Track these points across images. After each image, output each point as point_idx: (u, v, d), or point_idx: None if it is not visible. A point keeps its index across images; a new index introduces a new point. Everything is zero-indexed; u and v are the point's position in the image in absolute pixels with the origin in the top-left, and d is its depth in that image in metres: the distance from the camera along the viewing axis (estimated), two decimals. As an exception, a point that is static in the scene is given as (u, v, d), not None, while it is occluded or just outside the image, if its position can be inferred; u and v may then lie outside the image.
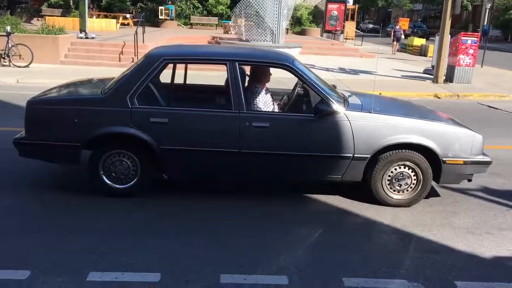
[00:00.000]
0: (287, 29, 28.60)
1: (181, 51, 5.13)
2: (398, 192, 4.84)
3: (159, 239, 4.00)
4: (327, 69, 15.78)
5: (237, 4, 20.56)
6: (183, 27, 29.65)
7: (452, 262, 3.85)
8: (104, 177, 4.66)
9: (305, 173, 4.83)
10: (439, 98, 12.34)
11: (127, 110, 4.49)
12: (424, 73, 15.91)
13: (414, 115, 4.96)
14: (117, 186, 4.69)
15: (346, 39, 30.60)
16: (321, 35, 29.66)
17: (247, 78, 5.27)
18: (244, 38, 20.85)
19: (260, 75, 5.20)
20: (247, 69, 5.31)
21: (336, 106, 4.61)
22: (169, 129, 4.53)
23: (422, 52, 24.05)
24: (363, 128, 4.64)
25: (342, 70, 15.92)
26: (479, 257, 3.96)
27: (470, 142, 4.76)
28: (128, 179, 4.69)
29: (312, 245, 4.02)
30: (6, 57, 13.46)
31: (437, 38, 14.93)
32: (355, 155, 4.66)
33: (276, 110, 5.31)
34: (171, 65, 5.26)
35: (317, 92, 4.70)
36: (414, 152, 4.71)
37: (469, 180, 4.96)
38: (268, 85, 5.34)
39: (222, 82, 5.26)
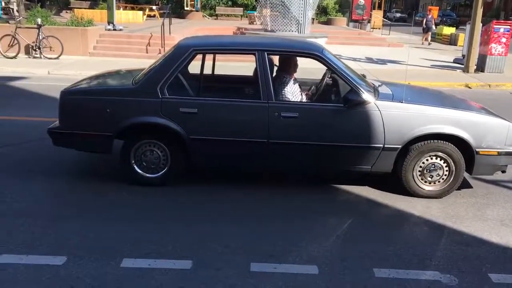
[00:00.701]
0: (313, 19, 28.36)
1: (211, 41, 5.15)
2: (430, 183, 4.77)
3: (189, 227, 4.05)
4: (354, 59, 15.60)
5: (262, -6, 20.43)
6: (208, 18, 29.71)
7: (485, 254, 3.78)
8: (135, 166, 4.73)
9: (334, 164, 4.81)
10: (470, 88, 12.08)
11: (157, 100, 4.54)
12: (454, 62, 15.59)
13: (446, 104, 4.87)
14: (148, 175, 4.76)
15: (373, 28, 30.17)
16: (348, 25, 29.34)
17: (275, 68, 5.28)
18: (269, 29, 20.72)
19: (288, 65, 5.17)
20: (275, 60, 5.30)
21: (366, 96, 4.56)
22: (198, 119, 4.56)
23: (452, 41, 23.54)
24: (394, 118, 4.58)
25: (370, 60, 15.73)
26: (513, 249, 3.89)
27: (504, 132, 4.65)
28: (158, 168, 4.74)
29: (341, 236, 4.00)
30: (37, 49, 13.73)
31: (467, 26, 14.58)
32: (385, 146, 4.60)
33: (304, 100, 5.28)
34: (199, 56, 5.31)
35: (347, 82, 4.65)
36: (446, 143, 4.63)
37: (503, 172, 4.85)
38: (295, 75, 5.32)
39: (249, 73, 5.25)
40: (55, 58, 13.51)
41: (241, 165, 4.95)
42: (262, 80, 4.59)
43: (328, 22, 29.16)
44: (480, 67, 13.74)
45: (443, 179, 4.75)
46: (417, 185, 4.75)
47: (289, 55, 5.02)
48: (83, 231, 3.90)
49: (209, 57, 5.46)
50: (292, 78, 5.19)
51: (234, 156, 4.75)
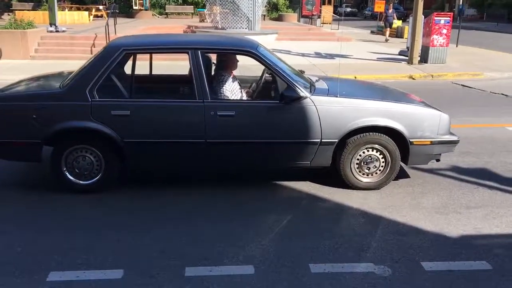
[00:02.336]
0: (264, 15, 28.44)
1: (142, 41, 5.02)
2: (367, 175, 4.83)
3: (125, 234, 3.93)
4: (303, 55, 15.72)
5: (211, -9, 20.30)
6: (158, 17, 29.25)
7: (419, 243, 3.85)
8: (67, 173, 4.56)
9: (273, 161, 4.80)
10: (414, 79, 12.38)
11: (87, 103, 4.38)
12: (399, 54, 15.94)
13: (382, 97, 4.93)
14: (81, 182, 4.60)
15: (323, 23, 30.51)
16: (298, 21, 29.55)
17: (213, 67, 5.20)
18: (220, 26, 20.66)
19: (226, 62, 5.10)
20: (214, 58, 5.23)
21: (301, 91, 4.56)
22: (131, 122, 4.43)
23: (398, 34, 24.06)
24: (329, 113, 4.60)
25: (318, 55, 15.87)
26: (446, 236, 3.97)
27: (436, 122, 4.76)
28: (92, 174, 4.59)
29: (280, 233, 3.98)
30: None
31: (411, 19, 14.93)
32: (322, 140, 4.62)
33: (245, 98, 5.23)
34: (143, 56, 5.19)
35: (282, 78, 4.64)
36: (381, 135, 4.69)
37: (438, 160, 4.97)
38: (236, 72, 5.27)
39: (187, 72, 5.16)
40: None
41: (179, 167, 4.86)
42: (197, 79, 4.51)
43: (279, 18, 29.27)
44: (424, 59, 14.10)
45: (380, 170, 4.81)
46: (355, 177, 4.80)
47: (223, 53, 4.96)
48: (12, 244, 3.72)
49: (145, 57, 5.34)
50: (231, 76, 5.12)
51: (171, 158, 4.65)
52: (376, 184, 4.83)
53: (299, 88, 4.56)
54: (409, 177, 5.25)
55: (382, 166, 4.80)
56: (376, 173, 4.82)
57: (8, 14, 24.41)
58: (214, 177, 5.20)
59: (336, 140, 4.64)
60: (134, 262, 3.50)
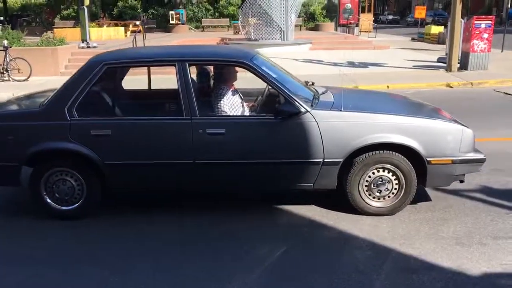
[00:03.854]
0: (300, 25, 28.05)
1: (125, 54, 4.65)
2: (378, 199, 4.25)
3: (96, 267, 3.53)
4: (335, 64, 15.11)
5: (243, 3, 20.06)
6: (194, 31, 29.37)
7: (431, 282, 3.25)
8: (47, 198, 4.23)
9: (270, 183, 4.31)
10: (451, 87, 11.56)
11: (65, 123, 4.06)
12: (438, 61, 15.05)
13: (392, 110, 4.35)
14: (62, 208, 4.26)
15: (361, 32, 29.74)
16: (335, 30, 28.93)
17: (212, 80, 4.81)
18: (253, 38, 20.36)
19: (223, 75, 4.67)
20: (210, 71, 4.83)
21: (300, 106, 4.06)
22: (112, 142, 4.07)
23: (440, 40, 22.99)
24: (332, 129, 4.08)
25: (351, 64, 15.23)
26: (466, 274, 3.35)
27: (458, 138, 4.14)
28: (73, 199, 4.25)
29: (269, 268, 3.48)
30: (5, 72, 13.32)
31: (449, 24, 14.09)
32: (325, 160, 4.10)
33: (246, 113, 4.79)
34: (136, 70, 4.86)
35: (278, 91, 4.17)
36: (394, 153, 4.12)
37: (461, 182, 4.33)
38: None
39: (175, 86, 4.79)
40: (23, 80, 13.09)
41: (167, 189, 4.45)
42: (184, 94, 4.10)
43: (315, 28, 28.76)
44: (464, 65, 13.22)
45: (393, 193, 4.24)
46: (364, 201, 4.24)
47: (213, 64, 4.54)
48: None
49: (136, 72, 4.99)
50: (231, 89, 4.69)
51: (158, 181, 4.25)
52: (388, 209, 4.25)
53: (297, 102, 4.07)
54: (431, 200, 4.62)
55: (395, 189, 4.22)
56: (389, 196, 4.25)
57: (51, 32, 25.07)
58: (205, 198, 4.75)
59: (341, 160, 4.11)
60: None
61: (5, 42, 13.30)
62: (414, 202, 4.42)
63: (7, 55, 13.20)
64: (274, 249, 3.73)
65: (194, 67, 4.88)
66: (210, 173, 4.18)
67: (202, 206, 4.62)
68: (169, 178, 4.22)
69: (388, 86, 11.50)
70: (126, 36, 23.53)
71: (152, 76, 5.30)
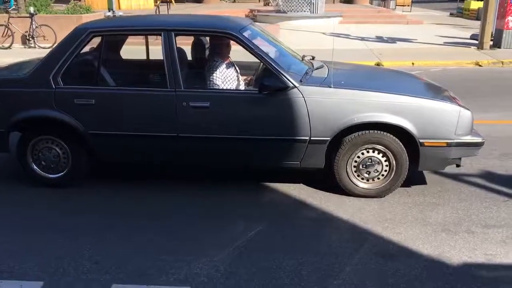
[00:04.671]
0: (334, -3, 27.25)
1: (112, 23, 4.57)
2: (367, 180, 4.09)
3: (61, 238, 3.51)
4: (362, 39, 14.67)
5: (274, -26, 19.61)
6: (226, 2, 28.97)
7: (406, 270, 3.11)
8: (34, 165, 4.25)
9: (255, 159, 4.20)
10: (480, 66, 11.02)
11: (50, 90, 4.03)
12: (470, 39, 14.38)
13: (387, 88, 4.13)
14: (49, 175, 4.28)
15: (398, 5, 28.68)
16: (371, 3, 27.99)
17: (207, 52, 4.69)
18: (282, 10, 19.94)
19: (216, 46, 4.54)
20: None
21: (287, 80, 3.90)
22: (96, 112, 4.03)
23: (478, 16, 21.93)
24: (320, 106, 3.91)
25: (379, 39, 14.73)
26: (445, 263, 3.19)
27: (454, 119, 3.90)
28: (59, 167, 4.26)
29: (240, 247, 3.39)
30: (31, 39, 13.52)
31: (485, -2, 13.36)
32: (312, 138, 3.95)
33: (242, 87, 4.67)
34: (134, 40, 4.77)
35: (266, 64, 4.01)
36: (385, 133, 3.93)
37: (458, 166, 4.11)
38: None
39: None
40: (49, 47, 13.22)
41: (150, 161, 4.40)
42: (169, 65, 4.00)
43: (349, 1, 27.89)
44: (497, 43, 12.58)
45: (382, 175, 4.06)
46: (352, 182, 4.08)
47: (199, 35, 4.41)
48: None
49: (118, 40, 4.88)
50: (226, 62, 4.55)
51: (141, 152, 4.20)
52: (376, 191, 4.09)
53: (284, 77, 3.91)
54: (426, 183, 4.42)
55: (385, 171, 4.04)
56: (378, 178, 4.07)
57: (80, 0, 25.23)
58: (192, 170, 4.69)
59: (329, 138, 3.95)
60: (59, 274, 3.09)
61: (32, 9, 13.45)
62: (407, 185, 4.24)
63: (33, 22, 13.37)
64: (250, 227, 3.64)
65: (192, 38, 4.79)
66: (193, 147, 4.10)
67: (186, 178, 4.57)
68: (152, 150, 4.16)
69: (413, 63, 11.07)
70: (156, 5, 23.44)
71: (151, 47, 5.21)
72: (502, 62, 11.07)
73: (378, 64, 10.76)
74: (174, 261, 3.22)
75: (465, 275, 3.06)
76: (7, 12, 13.60)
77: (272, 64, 3.97)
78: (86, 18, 14.47)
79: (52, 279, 3.03)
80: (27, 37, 13.55)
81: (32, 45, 13.52)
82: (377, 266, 3.15)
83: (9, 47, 13.30)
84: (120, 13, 16.37)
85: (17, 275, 3.07)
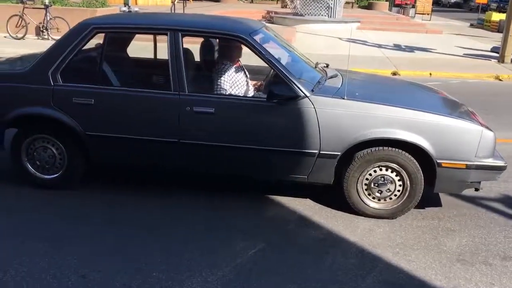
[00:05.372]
0: (352, 3, 26.95)
1: (117, 20, 4.35)
2: (379, 200, 3.83)
3: (46, 246, 3.28)
4: (380, 46, 14.36)
5: (293, -24, 19.35)
6: (243, 2, 28.78)
7: (416, 304, 2.85)
8: (28, 165, 4.05)
9: (260, 170, 3.96)
10: (500, 80, 10.69)
11: (48, 88, 3.83)
12: (491, 51, 14.01)
13: (405, 103, 3.86)
14: (44, 176, 4.08)
15: (417, 13, 28.28)
16: (390, 10, 27.63)
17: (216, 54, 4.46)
18: (299, 13, 19.68)
19: (225, 49, 4.32)
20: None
21: (298, 89, 3.66)
22: (95, 112, 3.82)
23: (500, 28, 21.48)
24: (331, 118, 3.66)
25: (397, 47, 14.42)
26: (459, 299, 2.92)
27: (475, 140, 3.63)
28: (55, 168, 4.05)
29: (237, 268, 3.14)
30: (44, 30, 13.41)
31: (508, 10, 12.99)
32: (321, 152, 3.70)
33: (251, 92, 4.44)
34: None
35: (276, 70, 3.77)
36: (399, 151, 3.67)
37: (476, 190, 3.82)
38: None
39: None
40: (62, 40, 13.13)
41: (150, 166, 4.18)
42: (173, 67, 3.78)
43: (368, 7, 27.53)
44: (519, 57, 12.22)
45: (395, 195, 3.80)
46: (363, 201, 3.82)
47: (208, 37, 4.18)
48: None
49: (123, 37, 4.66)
50: (235, 65, 4.33)
51: (140, 158, 3.98)
52: (388, 212, 3.82)
53: (295, 85, 3.67)
54: (441, 206, 4.14)
55: (398, 191, 3.78)
56: (390, 198, 3.81)
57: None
58: (193, 179, 4.46)
59: (339, 153, 3.70)
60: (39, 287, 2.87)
61: (47, 1, 13.34)
62: (421, 206, 3.97)
63: (48, 14, 13.25)
64: (250, 246, 3.39)
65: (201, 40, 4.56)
66: (195, 155, 3.87)
67: (188, 184, 4.34)
68: (152, 155, 3.94)
69: (430, 74, 10.77)
70: (172, 2, 23.31)
71: (159, 44, 4.98)
72: (524, 77, 10.72)
73: (394, 73, 10.46)
74: (165, 279, 2.98)
75: (481, 314, 2.79)
76: (22, 2, 13.49)
77: (283, 71, 3.72)
78: (101, 12, 14.35)
79: (33, 292, 2.82)
80: (41, 29, 13.44)
81: (46, 36, 13.41)
82: (385, 298, 2.89)
83: (22, 38, 13.20)
84: (136, 9, 16.24)
85: (-4, 286, 2.87)
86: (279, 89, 3.64)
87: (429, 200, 4.10)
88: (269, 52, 3.80)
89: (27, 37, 13.33)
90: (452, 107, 4.18)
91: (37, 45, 12.21)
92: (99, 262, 3.14)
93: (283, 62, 3.92)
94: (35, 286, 2.86)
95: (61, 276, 2.97)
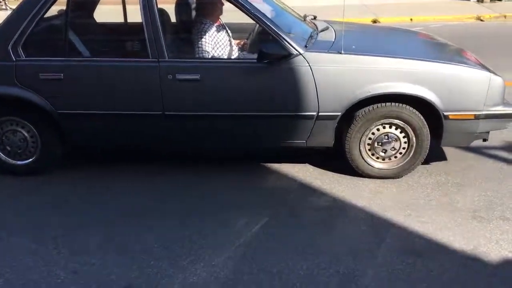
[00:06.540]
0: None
1: None
2: (383, 159, 3.58)
3: (28, 240, 2.98)
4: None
5: None
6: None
7: (438, 271, 2.64)
8: (-2, 151, 3.68)
9: (254, 139, 3.68)
10: (482, 21, 10.48)
11: (9, 64, 3.42)
12: (470, -9, 13.69)
13: (406, 52, 3.57)
14: (17, 162, 3.71)
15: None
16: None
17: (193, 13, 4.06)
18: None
19: (205, 6, 3.93)
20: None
21: (290, 47, 3.32)
22: (65, 88, 3.43)
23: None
24: (329, 76, 3.35)
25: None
26: (482, 261, 2.72)
27: (484, 88, 3.37)
28: (28, 153, 3.68)
29: (243, 246, 2.89)
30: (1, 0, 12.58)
31: None
32: (320, 113, 3.41)
33: (235, 53, 4.07)
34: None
35: (264, 27, 3.41)
36: (403, 106, 3.40)
37: (484, 140, 3.61)
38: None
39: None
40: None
41: (132, 144, 3.84)
42: (149, 31, 3.38)
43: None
44: (498, -5, 11.97)
45: (400, 153, 3.55)
46: (366, 162, 3.58)
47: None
48: None
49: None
50: (216, 24, 3.94)
51: (121, 134, 3.64)
52: (394, 171, 3.59)
53: (286, 42, 3.32)
54: (446, 159, 3.93)
55: (403, 148, 3.54)
56: (395, 157, 3.57)
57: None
58: (182, 155, 4.15)
59: (339, 113, 3.41)
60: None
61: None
62: (425, 161, 3.73)
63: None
64: (251, 222, 3.12)
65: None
66: (182, 128, 3.54)
67: (178, 159, 4.03)
68: (134, 132, 3.60)
69: (411, 19, 10.50)
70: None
71: (129, 6, 4.53)
72: (505, 16, 10.52)
73: (375, 21, 10.13)
74: (166, 268, 2.71)
75: (509, 276, 2.61)
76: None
77: (272, 27, 3.37)
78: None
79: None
80: (-3, -2, 12.61)
81: (4, 7, 12.59)
82: (405, 267, 2.67)
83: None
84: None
85: (-25, 293, 2.56)
86: (270, 48, 3.30)
87: (433, 155, 3.87)
88: (254, 7, 3.42)
89: None
90: (453, 53, 3.91)
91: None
92: (87, 254, 2.84)
93: (269, 16, 3.55)
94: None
95: (49, 274, 2.67)
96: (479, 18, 10.50)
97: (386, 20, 10.06)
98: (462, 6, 11.81)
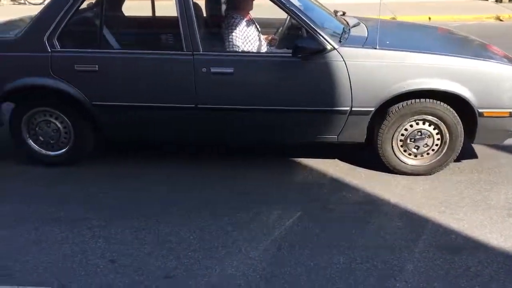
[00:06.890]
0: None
1: None
2: (415, 156, 3.57)
3: (62, 230, 3.00)
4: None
5: None
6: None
7: (476, 267, 2.63)
8: (31, 141, 3.70)
9: (286, 133, 3.67)
10: (501, 20, 10.38)
11: (45, 55, 3.44)
12: (488, -9, 13.59)
13: (439, 49, 3.56)
14: (49, 153, 3.74)
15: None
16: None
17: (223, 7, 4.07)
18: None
19: (236, 1, 3.93)
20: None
21: (325, 41, 3.31)
22: (100, 80, 3.45)
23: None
24: (363, 71, 3.35)
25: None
26: (522, 258, 2.71)
27: (519, 84, 3.35)
28: (60, 144, 3.71)
29: (278, 240, 2.90)
30: (20, -5, 12.69)
31: None
32: (353, 109, 3.40)
33: (264, 48, 4.07)
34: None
35: (299, 21, 3.41)
36: (438, 102, 3.38)
37: (517, 138, 3.59)
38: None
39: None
40: (39, 4, 12.40)
41: (166, 137, 3.85)
42: (184, 24, 3.39)
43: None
44: (517, -5, 11.87)
45: (433, 150, 3.54)
46: (399, 158, 3.56)
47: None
48: None
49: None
50: (246, 19, 3.94)
51: (154, 128, 3.65)
52: (426, 168, 3.58)
53: (322, 37, 3.32)
54: (477, 157, 3.91)
55: (436, 145, 3.52)
56: (428, 153, 3.55)
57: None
58: (214, 149, 4.15)
59: (373, 109, 3.40)
60: (68, 275, 2.60)
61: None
62: (456, 159, 3.71)
63: (21, -24, 12.51)
64: (284, 216, 3.13)
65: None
66: (215, 121, 3.55)
67: (206, 157, 4.04)
68: (167, 125, 3.61)
69: (429, 18, 10.41)
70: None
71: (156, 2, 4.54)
72: (525, 16, 10.41)
73: (393, 19, 10.06)
74: (203, 259, 2.72)
75: (549, 273, 2.59)
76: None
77: (307, 21, 3.36)
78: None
79: (61, 283, 2.54)
80: (15, -7, 12.71)
81: (22, 1, 12.68)
82: (443, 263, 2.66)
83: (-4, 4, 12.49)
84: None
85: (16, 279, 2.58)
86: (305, 42, 3.30)
87: (464, 153, 3.84)
88: (290, 1, 3.42)
89: (1, 3, 12.61)
90: (477, 46, 3.89)
91: (13, 11, 11.53)
92: (123, 244, 2.86)
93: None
94: (58, 276, 2.58)
95: (86, 262, 2.69)
96: (498, 18, 10.42)
97: (403, 19, 9.95)
98: (481, 5, 11.72)
